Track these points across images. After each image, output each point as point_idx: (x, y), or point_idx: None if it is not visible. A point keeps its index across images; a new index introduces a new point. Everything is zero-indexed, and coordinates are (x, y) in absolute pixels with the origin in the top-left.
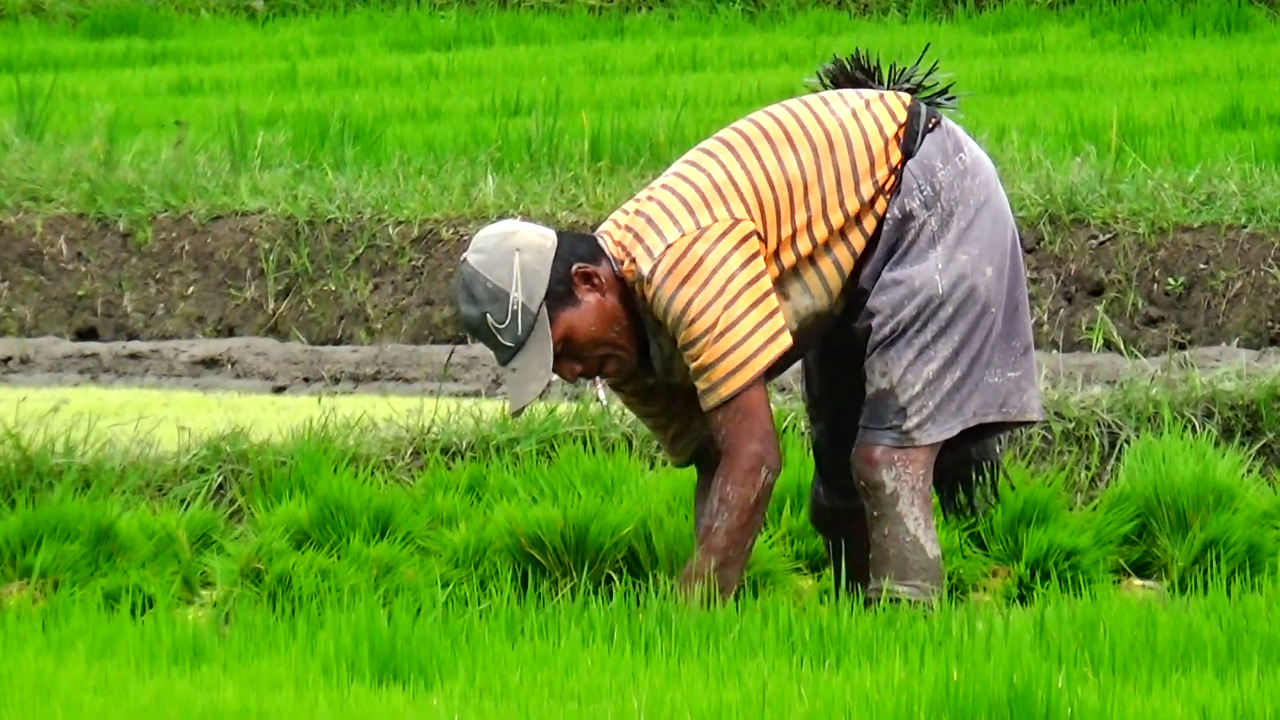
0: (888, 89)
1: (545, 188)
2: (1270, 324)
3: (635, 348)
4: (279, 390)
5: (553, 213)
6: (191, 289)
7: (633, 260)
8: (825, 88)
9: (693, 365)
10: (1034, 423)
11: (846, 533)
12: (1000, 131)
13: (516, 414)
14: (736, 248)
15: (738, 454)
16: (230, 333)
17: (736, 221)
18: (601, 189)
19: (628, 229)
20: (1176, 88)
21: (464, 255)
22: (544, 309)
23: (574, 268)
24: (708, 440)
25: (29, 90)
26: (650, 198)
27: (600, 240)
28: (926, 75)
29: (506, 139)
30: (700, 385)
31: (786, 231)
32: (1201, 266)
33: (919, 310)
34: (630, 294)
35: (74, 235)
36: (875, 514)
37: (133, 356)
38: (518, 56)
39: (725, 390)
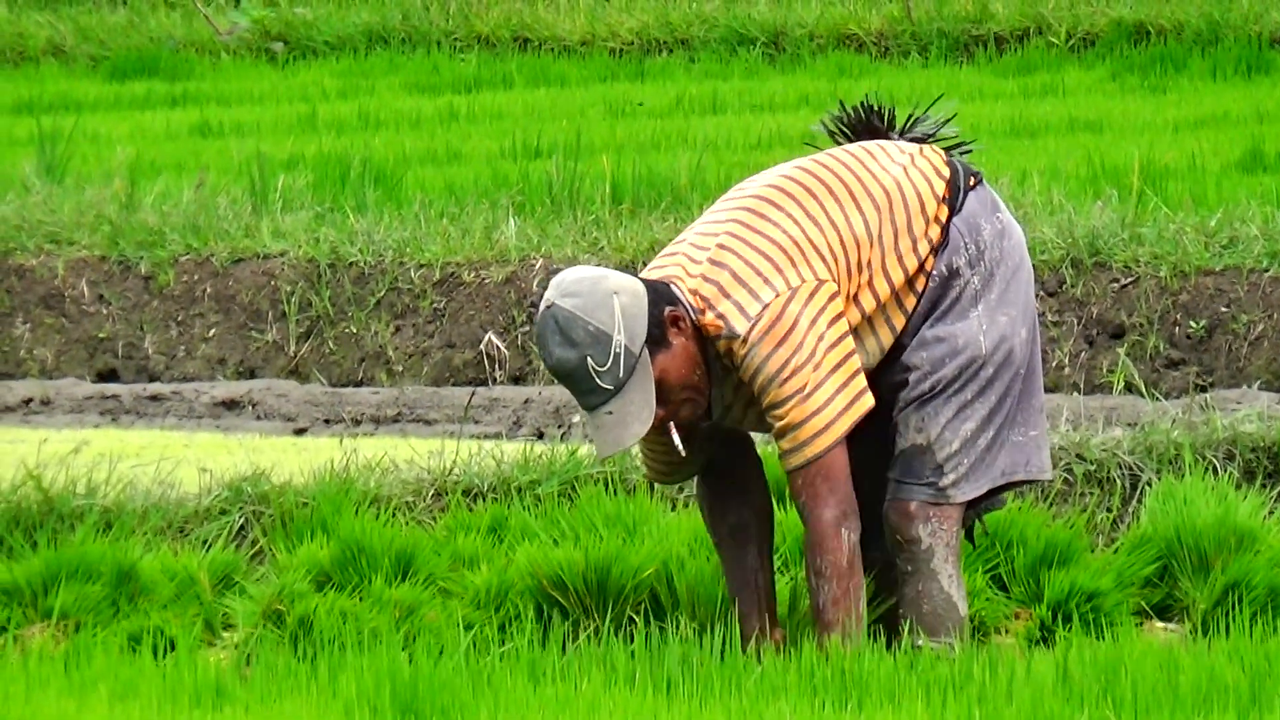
0: (901, 138)
1: (567, 231)
2: None
3: (709, 393)
4: (300, 432)
5: (574, 256)
6: (213, 331)
7: (719, 315)
8: (837, 135)
9: (778, 424)
10: (1045, 482)
11: (868, 578)
12: (1022, 175)
13: (607, 457)
14: (824, 309)
15: (819, 521)
16: (251, 375)
17: (822, 282)
18: (623, 232)
19: (705, 279)
20: (1197, 131)
21: (549, 301)
22: (645, 351)
23: (666, 311)
24: (714, 457)
25: (50, 132)
26: (721, 245)
27: (673, 287)
28: (940, 126)
29: (527, 182)
30: (784, 444)
31: (852, 289)
32: (1223, 310)
33: (960, 369)
34: (704, 341)
35: (95, 278)
36: (909, 569)
37: (154, 398)
38: (538, 99)
39: (810, 451)
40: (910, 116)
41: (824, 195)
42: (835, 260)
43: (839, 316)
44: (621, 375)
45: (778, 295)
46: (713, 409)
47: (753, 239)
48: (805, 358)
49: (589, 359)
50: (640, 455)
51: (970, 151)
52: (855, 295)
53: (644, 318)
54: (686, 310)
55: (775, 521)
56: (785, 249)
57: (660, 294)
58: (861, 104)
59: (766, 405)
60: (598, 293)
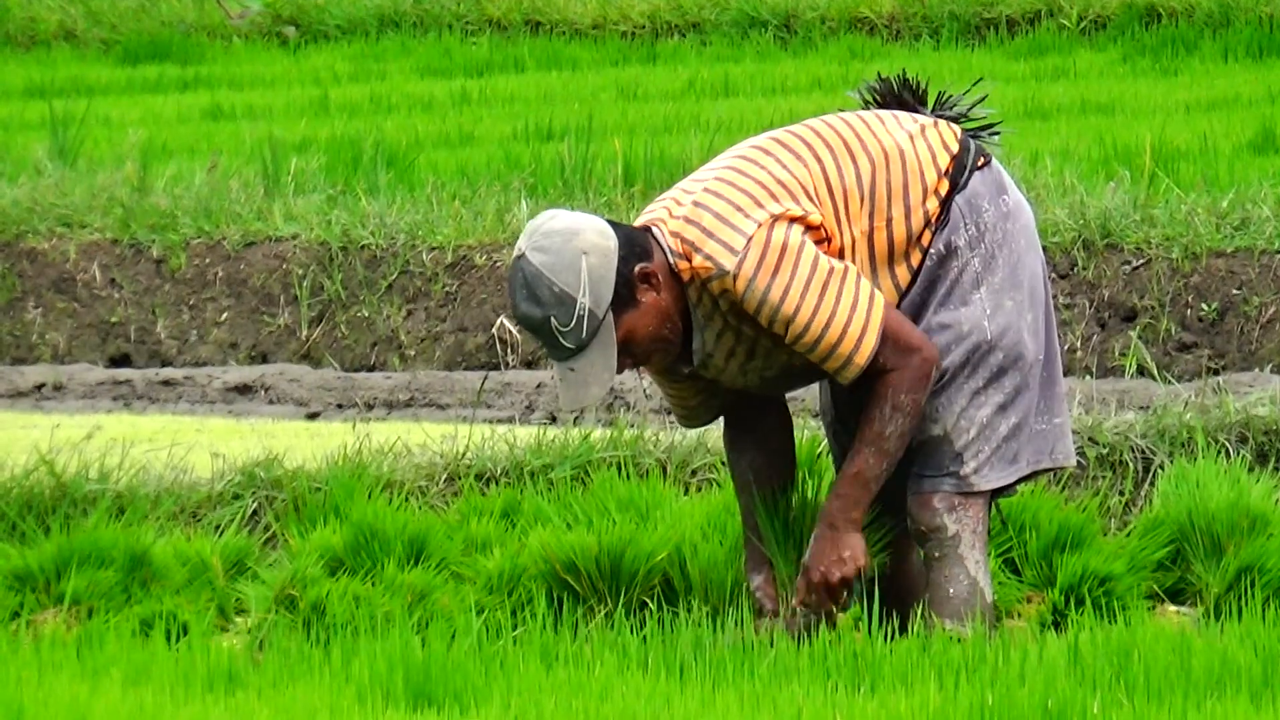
0: (933, 115)
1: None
2: None
3: (681, 340)
4: (313, 416)
5: None
6: (225, 315)
7: (707, 256)
8: (868, 105)
9: (812, 354)
10: (1069, 469)
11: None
12: (1034, 156)
13: (571, 412)
14: (805, 234)
15: (906, 366)
16: (264, 359)
17: (807, 213)
18: (635, 214)
19: (688, 221)
20: (1209, 113)
21: (520, 250)
22: (609, 315)
23: (635, 269)
24: (729, 405)
25: (62, 116)
26: (706, 189)
27: (655, 231)
28: (972, 106)
29: (539, 164)
30: (831, 365)
31: (842, 242)
32: (1235, 292)
33: (968, 356)
34: (683, 287)
35: (107, 261)
36: (936, 555)
37: (166, 383)
38: (550, 82)
39: (861, 359)
40: (941, 95)
41: (817, 144)
42: (820, 204)
43: (820, 243)
44: (584, 337)
45: (760, 225)
46: (693, 357)
47: (739, 180)
48: (806, 276)
49: (553, 319)
50: (664, 401)
51: (999, 134)
52: (849, 251)
53: (611, 279)
54: (666, 254)
55: (796, 469)
56: (768, 187)
57: (634, 248)
58: (897, 76)
59: (790, 339)
60: (567, 252)
